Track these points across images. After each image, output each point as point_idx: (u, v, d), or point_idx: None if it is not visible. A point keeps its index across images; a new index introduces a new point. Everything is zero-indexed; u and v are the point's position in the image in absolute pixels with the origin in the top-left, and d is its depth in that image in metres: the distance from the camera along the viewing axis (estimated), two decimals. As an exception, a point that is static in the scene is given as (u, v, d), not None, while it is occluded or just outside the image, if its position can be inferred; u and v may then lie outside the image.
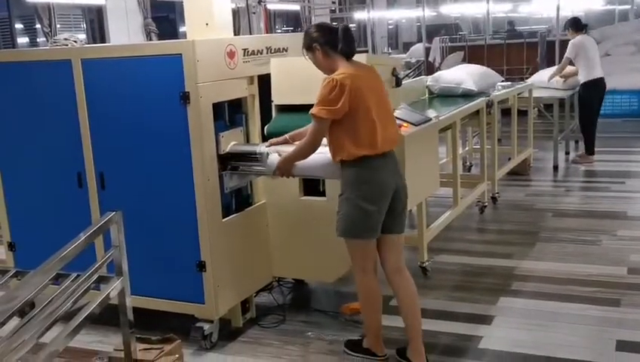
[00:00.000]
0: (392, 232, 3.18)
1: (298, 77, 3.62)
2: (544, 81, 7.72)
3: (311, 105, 3.56)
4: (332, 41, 3.06)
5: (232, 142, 3.51)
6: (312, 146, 3.10)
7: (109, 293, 2.73)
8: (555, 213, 5.74)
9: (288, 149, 3.26)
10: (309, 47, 3.12)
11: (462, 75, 5.91)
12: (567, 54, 7.38)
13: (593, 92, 7.39)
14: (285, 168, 3.26)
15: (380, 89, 3.14)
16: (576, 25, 7.41)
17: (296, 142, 3.27)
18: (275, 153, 3.33)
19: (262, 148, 3.42)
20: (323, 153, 3.16)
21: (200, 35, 3.58)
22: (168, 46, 3.44)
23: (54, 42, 3.88)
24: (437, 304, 3.92)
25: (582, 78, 7.33)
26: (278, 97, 3.67)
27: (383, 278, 3.24)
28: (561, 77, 7.66)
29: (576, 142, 8.21)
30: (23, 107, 3.74)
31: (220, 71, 3.39)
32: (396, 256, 3.22)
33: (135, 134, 3.46)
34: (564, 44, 7.74)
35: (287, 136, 3.39)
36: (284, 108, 3.68)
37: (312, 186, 3.76)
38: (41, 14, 9.04)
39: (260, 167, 3.46)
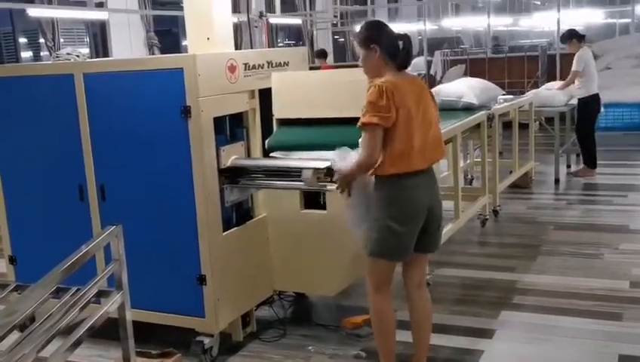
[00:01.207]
0: (425, 251, 3.12)
1: (299, 91, 3.63)
2: (542, 96, 7.62)
3: (312, 120, 3.56)
4: (393, 49, 2.94)
5: (232, 156, 3.52)
6: (369, 159, 2.87)
7: (108, 307, 2.72)
8: (556, 226, 5.73)
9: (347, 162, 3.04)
10: (366, 44, 2.95)
11: (462, 88, 5.92)
12: (576, 68, 7.25)
13: (592, 107, 7.41)
14: (347, 180, 3.01)
15: (426, 101, 2.99)
16: (579, 36, 7.41)
17: None
18: (309, 169, 3.20)
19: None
20: None
21: (201, 49, 3.60)
22: (169, 60, 3.46)
23: (57, 57, 3.91)
24: (438, 317, 3.88)
25: (582, 93, 7.30)
26: (279, 111, 3.68)
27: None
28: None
29: (578, 155, 8.20)
30: (25, 120, 3.76)
31: (221, 85, 3.40)
32: (421, 272, 3.19)
33: (136, 147, 3.47)
34: (564, 57, 7.74)
35: None
36: (286, 122, 3.68)
37: (313, 199, 3.76)
38: (44, 29, 9.10)
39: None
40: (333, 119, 3.50)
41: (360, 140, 2.95)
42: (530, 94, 7.44)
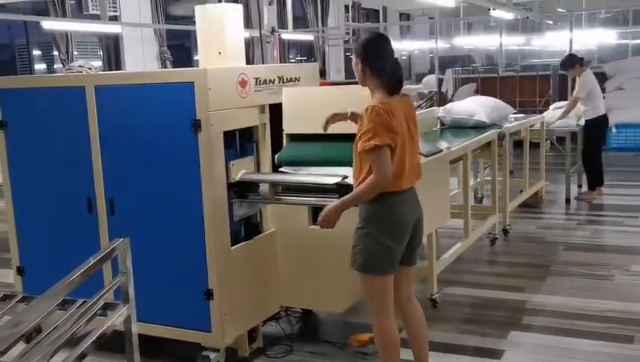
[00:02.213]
0: (407, 264, 3.13)
1: (309, 106, 3.63)
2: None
3: (322, 135, 3.56)
4: (379, 71, 2.93)
5: (242, 170, 3.52)
6: (385, 179, 2.84)
7: (115, 320, 2.71)
8: (566, 246, 5.69)
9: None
10: (355, 53, 3.01)
11: (474, 106, 5.91)
12: (579, 93, 7.14)
13: (602, 128, 7.37)
14: (333, 217, 3.00)
15: (412, 121, 3.02)
16: (580, 60, 7.34)
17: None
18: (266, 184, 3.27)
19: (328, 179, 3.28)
20: None
21: (212, 63, 3.61)
22: (180, 74, 3.47)
23: (69, 69, 3.93)
24: (446, 337, 3.87)
25: (590, 115, 7.22)
26: (289, 126, 3.69)
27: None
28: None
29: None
30: (36, 132, 3.78)
31: (232, 99, 3.40)
32: (409, 287, 3.20)
33: (146, 161, 3.48)
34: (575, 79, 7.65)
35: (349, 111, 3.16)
36: (296, 137, 3.68)
37: (322, 215, 3.74)
38: (58, 41, 9.20)
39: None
40: (343, 135, 3.50)
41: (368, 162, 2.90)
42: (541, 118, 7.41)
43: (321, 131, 3.27)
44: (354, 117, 3.15)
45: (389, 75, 2.93)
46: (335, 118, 3.23)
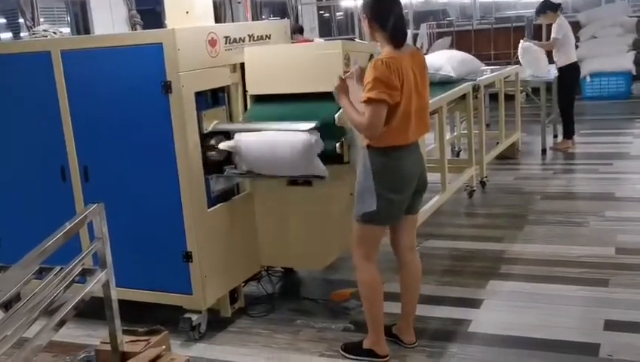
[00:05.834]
0: (411, 213, 3.19)
1: (274, 66, 3.53)
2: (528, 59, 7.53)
3: (287, 95, 3.48)
4: (382, 22, 2.93)
5: (214, 121, 3.46)
6: (369, 133, 2.89)
7: (93, 286, 2.70)
8: (543, 195, 5.75)
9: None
10: (362, 12, 3.05)
11: (441, 60, 5.74)
12: (555, 35, 7.13)
13: (575, 75, 7.39)
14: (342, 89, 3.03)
15: (421, 75, 3.02)
16: (554, 6, 7.31)
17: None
18: None
19: None
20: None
21: (180, 23, 3.53)
22: (148, 35, 3.41)
23: (33, 34, 3.83)
24: (426, 289, 3.89)
25: (563, 62, 7.20)
26: (252, 87, 3.58)
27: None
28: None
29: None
30: (3, 100, 3.70)
31: (202, 59, 3.35)
32: (411, 235, 3.26)
33: (117, 125, 3.43)
34: (550, 27, 7.63)
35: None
36: (260, 98, 3.59)
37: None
38: (23, 8, 8.95)
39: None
40: (310, 94, 3.43)
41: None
42: (520, 49, 7.42)
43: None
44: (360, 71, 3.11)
45: (392, 29, 2.92)
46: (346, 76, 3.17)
